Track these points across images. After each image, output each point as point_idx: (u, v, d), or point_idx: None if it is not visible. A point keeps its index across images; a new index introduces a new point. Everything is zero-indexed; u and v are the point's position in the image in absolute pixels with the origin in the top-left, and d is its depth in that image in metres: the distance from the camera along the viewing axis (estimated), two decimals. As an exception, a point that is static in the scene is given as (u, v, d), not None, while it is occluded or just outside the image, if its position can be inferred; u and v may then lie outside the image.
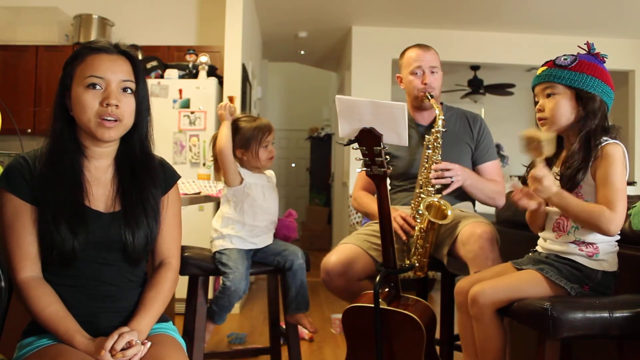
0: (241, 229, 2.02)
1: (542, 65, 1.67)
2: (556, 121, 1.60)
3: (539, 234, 1.72)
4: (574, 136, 1.60)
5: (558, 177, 1.60)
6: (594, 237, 1.57)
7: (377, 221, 1.80)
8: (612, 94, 1.61)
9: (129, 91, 1.26)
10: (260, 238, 2.06)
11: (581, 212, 1.51)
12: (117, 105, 1.22)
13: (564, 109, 1.59)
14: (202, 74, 4.02)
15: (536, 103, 1.68)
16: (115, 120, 1.23)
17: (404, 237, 2.05)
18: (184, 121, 3.93)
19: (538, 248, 1.71)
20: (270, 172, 2.14)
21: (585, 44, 1.65)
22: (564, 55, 1.63)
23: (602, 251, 1.57)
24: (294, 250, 2.06)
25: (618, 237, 1.61)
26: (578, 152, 1.56)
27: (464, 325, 1.68)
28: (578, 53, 1.64)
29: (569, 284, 1.55)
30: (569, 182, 1.57)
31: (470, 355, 1.68)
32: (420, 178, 2.09)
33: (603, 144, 1.54)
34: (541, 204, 1.63)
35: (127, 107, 1.25)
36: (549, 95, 1.62)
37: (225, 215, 2.04)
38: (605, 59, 1.63)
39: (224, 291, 1.94)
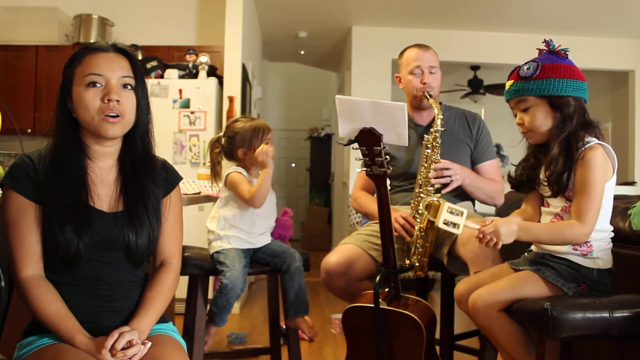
0: (239, 231, 2.03)
1: (508, 78, 1.66)
2: (538, 131, 1.62)
3: None
4: (554, 139, 1.61)
5: (545, 183, 1.61)
6: None
7: (377, 221, 1.80)
8: (585, 85, 1.59)
9: (129, 87, 1.27)
10: (257, 237, 2.06)
11: (552, 236, 1.57)
12: (118, 101, 1.23)
13: (541, 119, 1.60)
14: (202, 74, 4.02)
15: (515, 115, 1.69)
16: (118, 116, 1.23)
17: (408, 238, 2.05)
18: (184, 121, 3.93)
19: (533, 247, 1.71)
20: None
21: (543, 41, 1.63)
22: (526, 64, 1.62)
23: (596, 249, 1.57)
24: (292, 253, 2.06)
25: (612, 234, 1.61)
26: (558, 156, 1.57)
27: (479, 325, 1.66)
28: (539, 53, 1.63)
29: (566, 285, 1.55)
30: (557, 186, 1.57)
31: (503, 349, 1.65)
32: (419, 178, 2.09)
33: (584, 148, 1.54)
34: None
35: (128, 103, 1.26)
36: (524, 110, 1.62)
37: (223, 218, 2.04)
38: (567, 53, 1.61)
39: (221, 290, 1.94)
